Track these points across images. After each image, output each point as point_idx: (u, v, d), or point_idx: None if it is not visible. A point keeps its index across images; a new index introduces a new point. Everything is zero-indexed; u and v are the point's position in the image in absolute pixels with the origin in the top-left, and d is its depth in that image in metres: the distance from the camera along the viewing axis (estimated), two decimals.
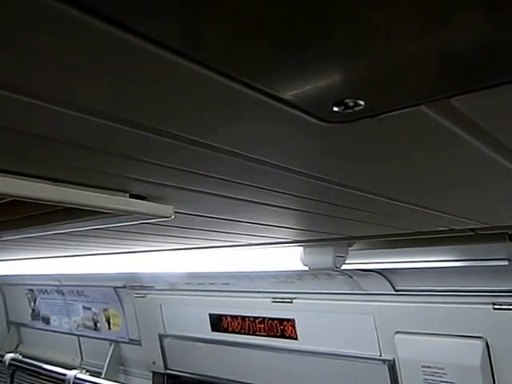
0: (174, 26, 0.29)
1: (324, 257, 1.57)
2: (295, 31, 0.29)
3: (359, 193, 0.70)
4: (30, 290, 3.83)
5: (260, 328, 2.61)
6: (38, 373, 3.47)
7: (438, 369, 1.99)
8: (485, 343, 1.88)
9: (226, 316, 2.74)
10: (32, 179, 0.60)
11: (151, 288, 2.97)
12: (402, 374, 2.13)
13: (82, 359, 3.66)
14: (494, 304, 1.85)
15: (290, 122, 0.42)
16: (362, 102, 0.38)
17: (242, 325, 2.68)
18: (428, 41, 0.31)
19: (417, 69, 0.34)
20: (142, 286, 2.98)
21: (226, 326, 2.75)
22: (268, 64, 0.33)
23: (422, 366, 2.04)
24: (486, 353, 1.88)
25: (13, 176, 0.58)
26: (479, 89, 0.35)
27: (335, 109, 0.39)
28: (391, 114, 0.39)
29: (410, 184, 0.67)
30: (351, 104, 0.38)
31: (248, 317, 2.65)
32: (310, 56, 0.32)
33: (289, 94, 0.37)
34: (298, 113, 0.40)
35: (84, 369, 3.33)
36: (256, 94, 0.37)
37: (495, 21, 0.29)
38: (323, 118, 0.41)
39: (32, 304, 3.89)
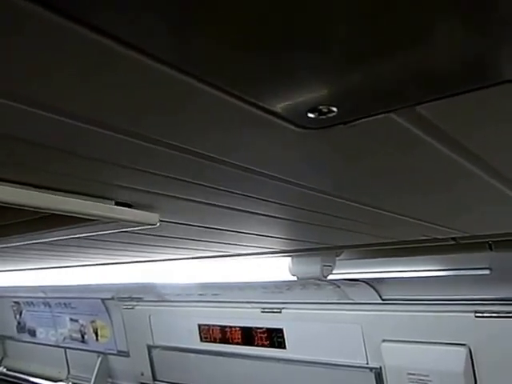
0: (168, 40, 0.30)
1: (311, 266, 1.58)
2: (282, 46, 0.31)
3: (339, 200, 0.71)
4: (16, 302, 3.77)
5: (249, 338, 2.60)
6: None
7: (423, 376, 2.02)
8: (468, 350, 1.90)
9: (215, 326, 2.73)
10: (14, 185, 0.60)
11: (140, 299, 2.94)
12: (389, 381, 2.16)
13: (68, 372, 3.60)
14: (476, 312, 1.88)
15: (268, 128, 0.43)
16: (334, 109, 0.40)
17: (231, 335, 2.67)
18: (396, 57, 0.33)
19: (383, 79, 0.35)
20: (130, 297, 2.96)
21: (215, 337, 2.73)
22: (254, 77, 0.35)
23: (408, 374, 2.06)
24: (469, 360, 1.90)
25: None
26: (443, 97, 0.37)
27: (310, 115, 0.41)
28: (363, 120, 0.41)
29: (385, 190, 0.69)
30: (325, 110, 0.40)
31: (237, 327, 2.64)
32: (293, 68, 0.34)
33: (276, 106, 0.38)
34: (275, 119, 0.42)
35: (71, 381, 3.27)
36: (239, 102, 0.38)
37: (471, 39, 0.30)
38: (299, 124, 0.42)
39: (18, 316, 3.83)
